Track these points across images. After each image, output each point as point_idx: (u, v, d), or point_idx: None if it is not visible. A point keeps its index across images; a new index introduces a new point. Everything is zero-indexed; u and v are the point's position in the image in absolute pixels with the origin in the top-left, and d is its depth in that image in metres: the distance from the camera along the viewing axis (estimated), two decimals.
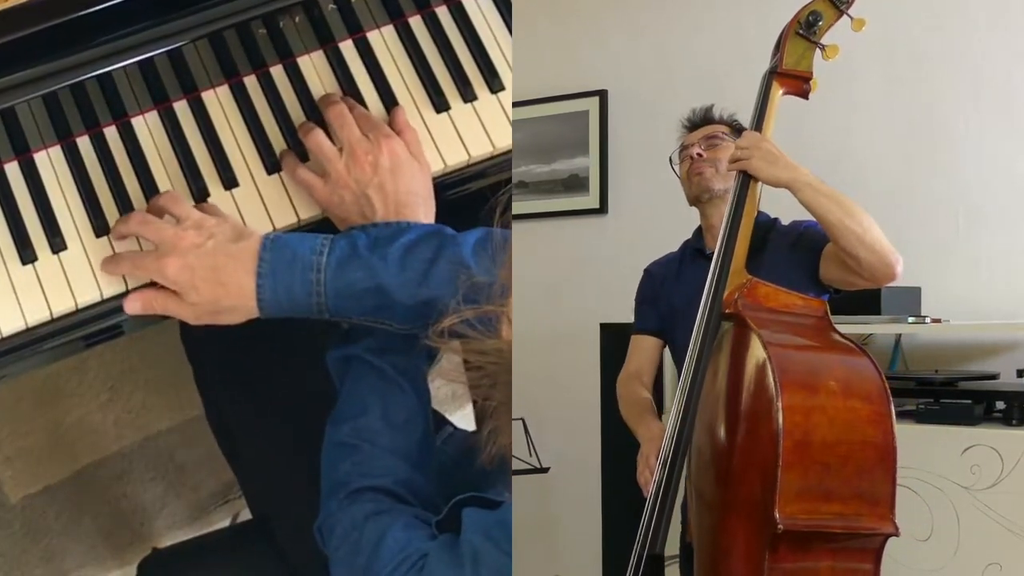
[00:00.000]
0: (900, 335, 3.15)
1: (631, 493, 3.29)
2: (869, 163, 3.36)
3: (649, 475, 2.18)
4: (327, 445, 1.92)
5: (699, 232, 2.59)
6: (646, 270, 2.68)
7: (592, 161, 3.95)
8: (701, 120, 2.59)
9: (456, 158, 2.05)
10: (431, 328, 1.72)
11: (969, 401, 2.82)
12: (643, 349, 2.61)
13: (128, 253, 1.88)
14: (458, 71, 2.09)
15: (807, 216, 2.32)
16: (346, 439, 1.89)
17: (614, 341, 3.41)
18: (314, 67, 2.06)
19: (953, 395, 2.87)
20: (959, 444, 2.72)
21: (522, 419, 3.34)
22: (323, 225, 1.99)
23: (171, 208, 1.89)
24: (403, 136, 1.98)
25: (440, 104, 2.07)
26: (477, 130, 2.06)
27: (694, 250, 2.57)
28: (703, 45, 3.75)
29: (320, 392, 2.01)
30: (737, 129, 2.54)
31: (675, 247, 2.62)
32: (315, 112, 2.04)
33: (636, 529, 2.12)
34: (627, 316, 3.37)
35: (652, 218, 3.81)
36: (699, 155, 2.49)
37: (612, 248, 3.92)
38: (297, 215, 1.99)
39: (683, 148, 2.56)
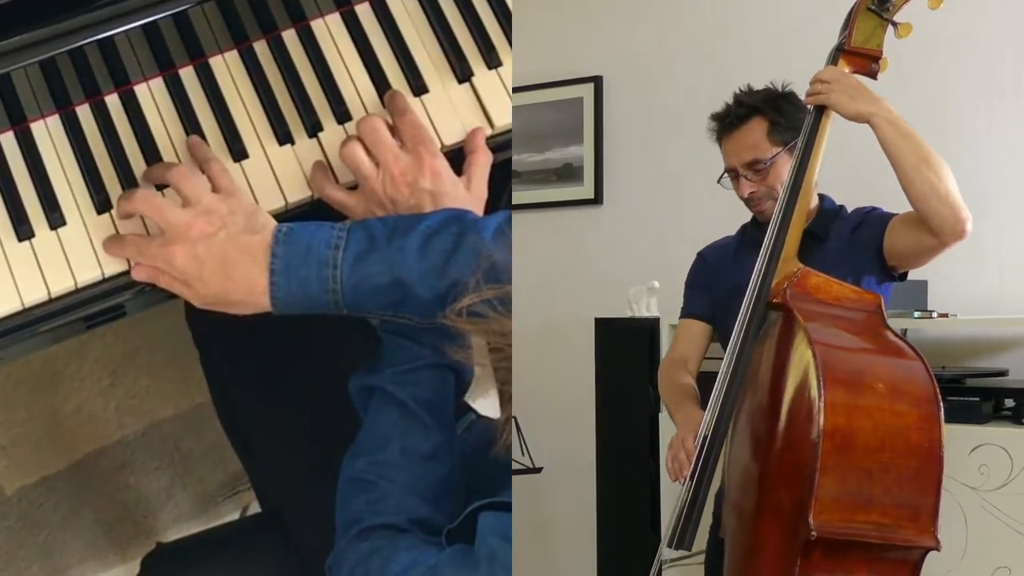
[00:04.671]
0: (905, 330, 3.08)
1: (627, 493, 3.26)
2: (875, 153, 3.28)
3: (685, 458, 2.10)
4: (342, 480, 1.86)
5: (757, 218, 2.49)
6: (700, 254, 2.58)
7: (587, 150, 3.89)
8: (728, 124, 2.38)
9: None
10: (449, 307, 1.67)
11: (977, 399, 2.76)
12: (691, 335, 2.51)
13: (132, 236, 1.82)
14: (481, 34, 2.02)
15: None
16: (362, 474, 1.83)
17: (609, 336, 3.41)
18: (329, 31, 2.00)
19: (960, 392, 2.82)
20: (967, 443, 2.67)
21: (514, 417, 3.29)
22: None
23: (180, 185, 1.80)
24: (470, 158, 1.92)
25: (463, 71, 2.00)
26: (502, 98, 1.99)
27: (753, 239, 2.42)
28: (702, 29, 3.71)
29: (335, 379, 1.95)
30: (777, 123, 2.37)
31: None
32: (329, 81, 1.97)
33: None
34: (623, 310, 3.39)
35: (648, 209, 3.79)
36: (752, 194, 2.35)
37: (607, 240, 3.89)
38: (311, 189, 1.92)
39: (729, 171, 2.40)
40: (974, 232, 3.14)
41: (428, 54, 2.00)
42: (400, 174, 1.86)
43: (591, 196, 3.88)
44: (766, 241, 2.11)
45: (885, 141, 2.13)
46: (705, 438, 2.04)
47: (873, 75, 2.19)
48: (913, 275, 3.06)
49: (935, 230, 2.14)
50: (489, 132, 1.98)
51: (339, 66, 1.98)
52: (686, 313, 2.54)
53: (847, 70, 2.17)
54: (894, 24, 2.16)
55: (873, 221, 2.32)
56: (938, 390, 1.93)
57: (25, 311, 1.79)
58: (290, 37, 1.98)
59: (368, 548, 1.78)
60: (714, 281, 2.48)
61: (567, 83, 3.92)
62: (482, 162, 1.93)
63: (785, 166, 2.29)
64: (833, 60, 2.19)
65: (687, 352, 2.48)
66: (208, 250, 1.74)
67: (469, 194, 1.89)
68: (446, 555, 1.72)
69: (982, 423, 2.70)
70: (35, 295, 1.80)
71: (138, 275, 1.79)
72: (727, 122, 2.37)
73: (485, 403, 2.23)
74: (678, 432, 2.19)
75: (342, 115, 1.95)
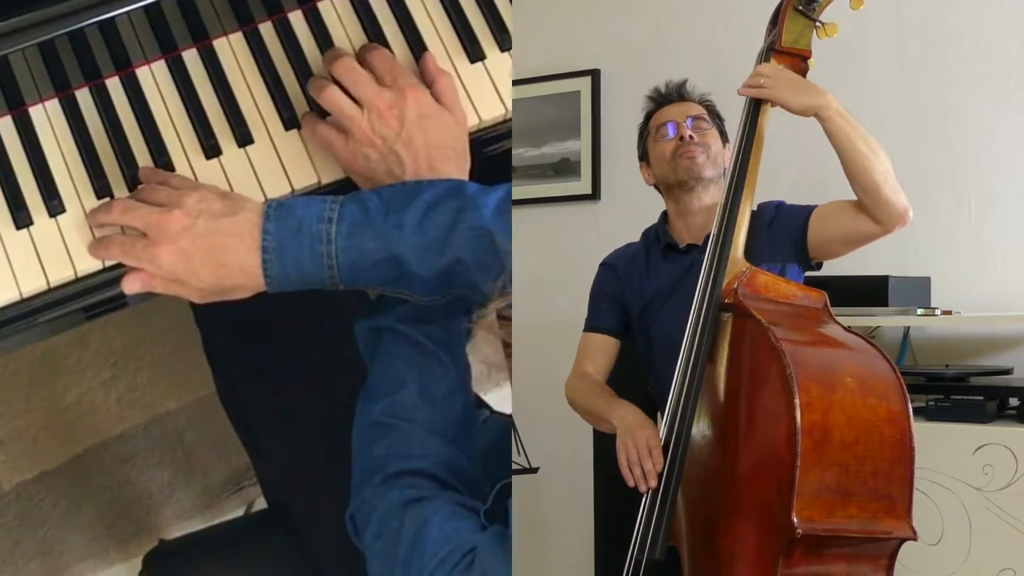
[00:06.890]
0: (908, 328, 3.10)
1: (625, 494, 3.24)
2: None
3: (652, 468, 2.05)
4: (358, 426, 1.81)
5: (664, 221, 2.48)
6: (606, 264, 2.56)
7: (584, 144, 3.85)
8: (676, 95, 2.47)
9: (492, 112, 1.94)
10: (475, 315, 1.69)
11: (981, 397, 2.73)
12: (598, 349, 2.47)
13: (117, 238, 1.78)
14: (493, 14, 1.97)
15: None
16: (380, 418, 1.79)
17: None
18: (336, 12, 1.95)
19: (964, 391, 2.80)
20: (971, 443, 2.64)
21: (510, 417, 3.26)
22: (346, 186, 1.87)
23: (145, 197, 1.78)
24: (437, 84, 1.87)
25: (475, 53, 1.95)
26: (510, 83, 1.95)
27: (666, 245, 2.44)
28: (702, 22, 3.67)
29: (345, 366, 1.94)
30: (715, 115, 2.46)
31: None
32: None
33: (631, 532, 2.06)
34: None
35: (646, 205, 3.69)
36: (690, 137, 2.36)
37: (604, 236, 3.80)
38: (318, 175, 1.89)
39: (661, 124, 2.42)
40: (979, 228, 3.21)
41: (438, 34, 1.95)
42: (387, 108, 1.81)
43: (588, 191, 3.84)
44: (711, 242, 2.12)
45: (836, 132, 2.15)
46: (667, 444, 2.04)
47: (803, 74, 2.21)
48: (916, 271, 3.10)
49: (882, 217, 2.17)
50: (501, 118, 1.94)
51: (347, 48, 1.93)
52: (593, 327, 2.50)
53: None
54: (820, 24, 2.18)
55: (790, 213, 2.33)
56: (902, 380, 1.95)
57: (23, 301, 1.77)
58: (296, 18, 1.94)
59: (398, 498, 1.74)
60: (627, 291, 2.45)
61: (564, 77, 3.88)
62: (448, 86, 1.87)
63: (716, 142, 2.37)
64: (764, 60, 2.20)
65: (596, 367, 2.44)
66: (193, 242, 1.71)
67: (454, 120, 1.85)
68: (485, 539, 1.68)
69: (986, 422, 2.68)
70: (34, 285, 1.77)
71: (131, 288, 1.75)
72: (671, 96, 2.46)
73: (498, 397, 2.19)
74: (635, 433, 2.10)
75: None
